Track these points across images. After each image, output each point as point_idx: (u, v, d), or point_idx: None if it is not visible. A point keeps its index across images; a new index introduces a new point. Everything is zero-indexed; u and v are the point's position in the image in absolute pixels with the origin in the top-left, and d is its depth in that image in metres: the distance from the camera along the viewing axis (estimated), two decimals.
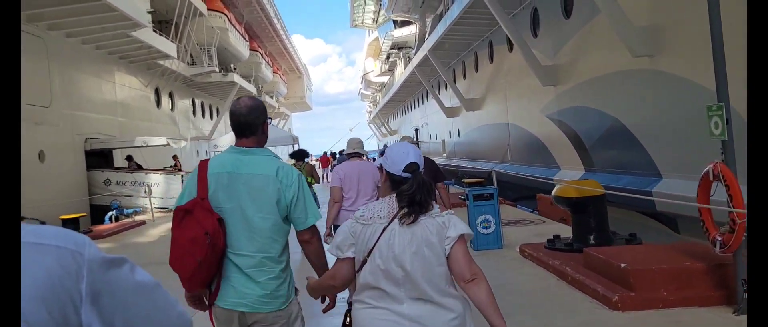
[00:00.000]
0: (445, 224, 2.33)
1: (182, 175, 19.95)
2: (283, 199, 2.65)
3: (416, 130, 46.89)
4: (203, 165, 2.74)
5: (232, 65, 35.64)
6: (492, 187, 9.38)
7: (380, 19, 52.49)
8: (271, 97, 54.08)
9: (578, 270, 6.10)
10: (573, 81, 14.46)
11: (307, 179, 10.44)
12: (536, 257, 7.06)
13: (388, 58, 51.88)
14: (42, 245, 0.89)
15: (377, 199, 5.75)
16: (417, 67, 31.07)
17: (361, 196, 5.43)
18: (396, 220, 2.32)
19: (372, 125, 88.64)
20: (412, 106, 48.64)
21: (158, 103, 26.45)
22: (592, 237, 7.05)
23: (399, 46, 45.99)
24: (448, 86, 31.34)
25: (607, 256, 5.76)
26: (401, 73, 42.17)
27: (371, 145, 77.47)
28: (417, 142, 44.49)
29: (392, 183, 2.43)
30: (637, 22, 10.74)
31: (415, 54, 32.29)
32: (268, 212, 2.64)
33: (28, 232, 0.90)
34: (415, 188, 2.32)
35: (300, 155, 11.19)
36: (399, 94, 47.59)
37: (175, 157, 22.25)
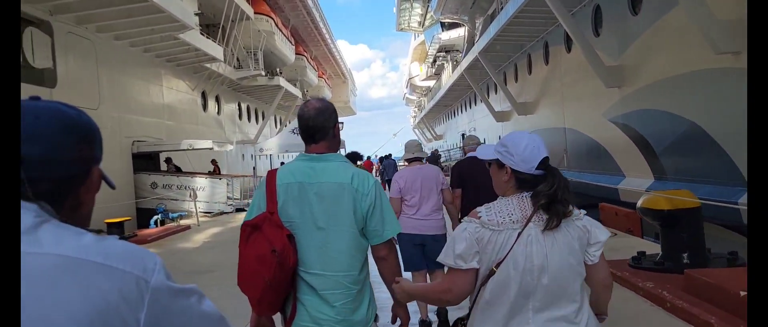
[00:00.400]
0: (587, 228, 2.05)
1: (226, 180, 19.64)
2: (359, 209, 2.38)
3: (463, 135, 45.95)
4: (271, 176, 2.47)
5: (277, 69, 35.50)
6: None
7: (427, 23, 51.76)
8: None
9: (678, 295, 5.25)
10: (641, 82, 13.46)
11: None
12: (621, 277, 6.21)
13: (434, 61, 51.08)
14: (108, 267, 0.88)
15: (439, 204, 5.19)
16: (466, 71, 30.24)
17: (425, 203, 5.10)
18: (531, 224, 1.98)
19: (416, 130, 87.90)
20: (459, 111, 47.74)
21: (205, 106, 26.34)
22: (685, 255, 6.17)
23: (446, 50, 45.17)
24: (499, 90, 30.46)
25: (718, 280, 4.89)
26: (448, 77, 41.34)
27: None
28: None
29: (520, 182, 2.09)
30: (721, 15, 9.75)
31: (464, 57, 31.44)
32: (343, 225, 2.38)
33: (98, 250, 0.89)
34: (557, 186, 2.00)
35: (352, 158, 10.54)
36: (445, 98, 46.80)
37: (213, 161, 21.95)
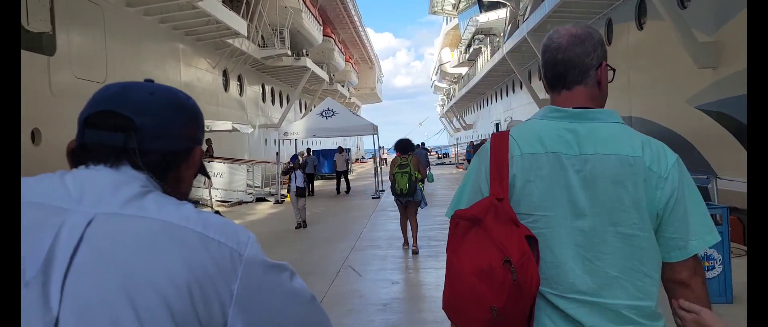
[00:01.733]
0: None
1: (247, 166, 17.66)
2: (655, 201, 1.48)
3: (497, 124, 43.58)
4: (500, 140, 1.59)
5: (304, 50, 33.47)
6: (717, 204, 6.31)
7: (461, 6, 49.28)
8: (343, 86, 52.01)
9: None
10: (746, 62, 11.05)
11: (414, 174, 8.21)
12: None
13: (468, 46, 48.63)
14: (205, 237, 0.91)
15: None
16: (508, 54, 27.86)
17: None
18: None
19: (444, 119, 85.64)
20: (494, 99, 45.31)
21: (226, 86, 24.46)
22: None
23: (484, 33, 42.72)
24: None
25: None
26: (486, 62, 38.90)
27: (442, 141, 74.43)
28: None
29: None
30: None
31: (507, 39, 29.06)
32: (632, 223, 1.47)
33: (197, 220, 0.93)
34: None
35: (405, 147, 8.78)
36: (479, 85, 44.43)
37: (208, 141, 19.17)
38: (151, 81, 1.08)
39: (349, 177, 22.98)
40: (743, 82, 11.16)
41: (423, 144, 28.50)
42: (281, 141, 20.20)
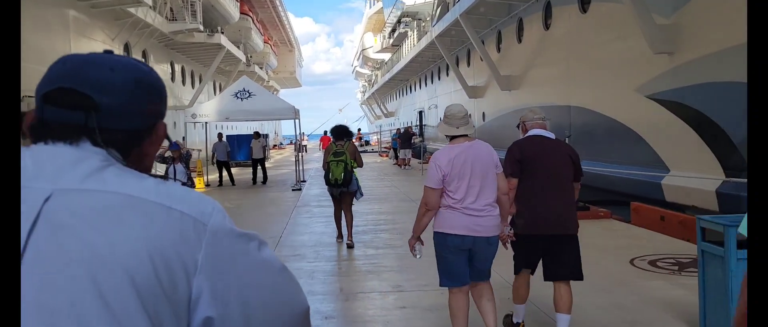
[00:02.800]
0: None
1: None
2: None
3: (420, 112, 42.51)
4: None
5: (219, 27, 30.86)
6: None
7: None
8: (261, 68, 49.40)
9: None
10: (711, 47, 10.10)
11: (350, 163, 7.59)
12: None
13: (393, 31, 47.19)
14: (168, 208, 0.90)
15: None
16: (437, 37, 26.58)
17: (481, 195, 3.85)
18: None
19: (364, 106, 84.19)
20: (417, 86, 44.18)
21: None
22: None
23: (410, 16, 41.35)
24: (472, 62, 27.01)
25: None
26: (412, 47, 37.58)
27: (362, 128, 73.08)
28: (421, 128, 40.15)
29: None
30: None
31: (436, 23, 27.77)
32: None
33: (159, 191, 0.92)
34: None
35: (341, 133, 8.13)
36: (403, 72, 43.17)
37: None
38: (111, 52, 1.04)
39: (267, 165, 21.01)
40: (706, 70, 10.20)
41: (359, 130, 26.70)
42: (190, 124, 17.92)
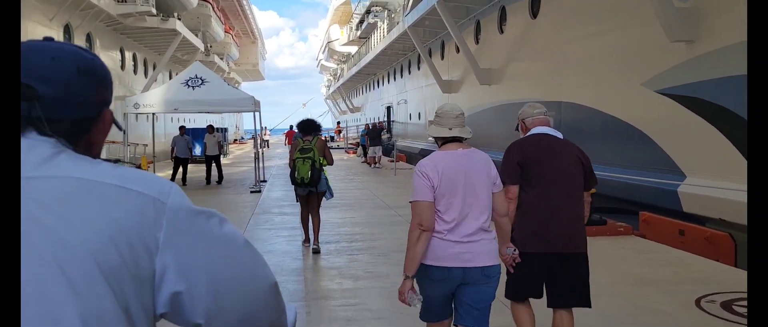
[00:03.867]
0: None
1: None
2: None
3: (388, 108, 40.83)
4: None
5: (175, 13, 28.60)
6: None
7: None
8: (222, 59, 47.03)
9: None
10: (740, 34, 8.65)
11: (318, 160, 6.96)
12: None
13: (361, 22, 45.36)
14: (125, 189, 0.91)
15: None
16: (410, 28, 24.90)
17: (472, 216, 3.11)
18: None
19: (329, 101, 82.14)
20: (386, 81, 42.47)
21: None
22: None
23: (380, 5, 39.57)
24: (447, 55, 25.44)
25: None
26: (382, 38, 35.78)
27: (326, 123, 71.19)
28: (389, 125, 38.43)
29: None
30: None
31: (409, 12, 26.10)
32: None
33: (114, 174, 0.92)
34: None
35: (308, 128, 7.46)
36: (370, 65, 41.42)
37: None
38: (51, 39, 1.02)
39: (224, 162, 19.05)
40: (734, 60, 8.75)
41: (338, 123, 24.66)
42: (132, 115, 15.82)
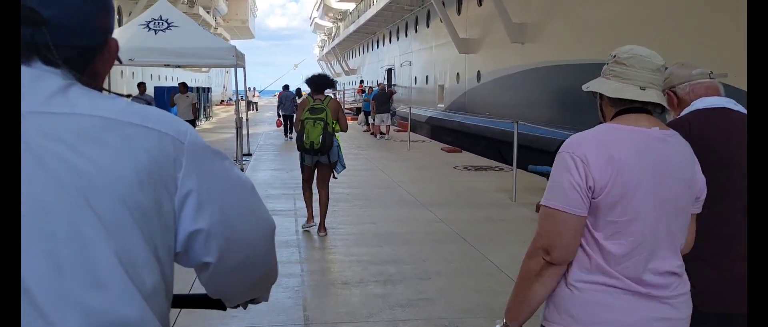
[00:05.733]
0: None
1: None
2: None
3: (389, 70, 37.37)
4: None
5: None
6: None
7: None
8: (208, 12, 43.18)
9: None
10: None
11: (331, 124, 6.15)
12: None
13: None
14: (146, 129, 0.91)
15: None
16: None
17: (664, 250, 1.76)
18: None
19: (322, 62, 78.36)
20: (386, 40, 38.93)
21: None
22: None
23: None
24: (466, 9, 22.01)
25: None
26: None
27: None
28: (389, 88, 34.96)
29: None
30: None
31: None
32: None
33: (134, 112, 0.92)
34: None
35: (320, 84, 6.29)
36: (370, 23, 37.85)
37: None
38: None
39: (204, 126, 15.76)
40: None
41: (287, 86, 21.03)
42: None
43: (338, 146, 6.31)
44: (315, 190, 6.38)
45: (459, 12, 22.81)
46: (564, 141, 1.83)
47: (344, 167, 6.53)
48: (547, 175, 10.29)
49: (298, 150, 6.27)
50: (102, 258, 0.81)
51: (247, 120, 13.30)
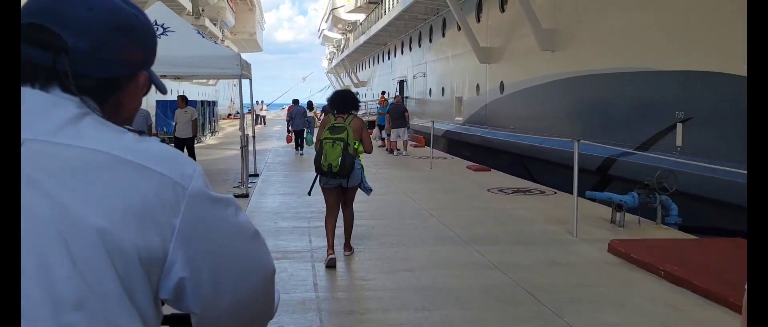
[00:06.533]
0: None
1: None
2: None
3: (401, 82, 36.06)
4: None
5: None
6: None
7: None
8: (215, 24, 42.13)
9: None
10: None
11: (352, 144, 5.73)
12: None
13: None
14: (145, 169, 0.87)
15: None
16: None
17: None
18: None
19: (331, 75, 77.27)
20: (398, 51, 37.66)
21: None
22: None
23: None
24: (486, 15, 20.70)
25: None
26: (397, 1, 30.81)
27: (324, 99, 66.56)
28: (402, 99, 33.66)
29: None
30: None
31: None
32: None
33: (137, 149, 0.88)
34: None
35: (343, 103, 5.91)
36: (381, 34, 36.61)
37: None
38: None
39: (208, 143, 14.46)
40: None
41: (297, 101, 20.00)
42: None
43: (362, 168, 5.84)
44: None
45: (479, 19, 21.49)
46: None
47: (371, 190, 6.10)
48: (607, 202, 8.87)
49: (316, 172, 5.83)
50: (64, 297, 0.77)
51: (253, 137, 11.96)
